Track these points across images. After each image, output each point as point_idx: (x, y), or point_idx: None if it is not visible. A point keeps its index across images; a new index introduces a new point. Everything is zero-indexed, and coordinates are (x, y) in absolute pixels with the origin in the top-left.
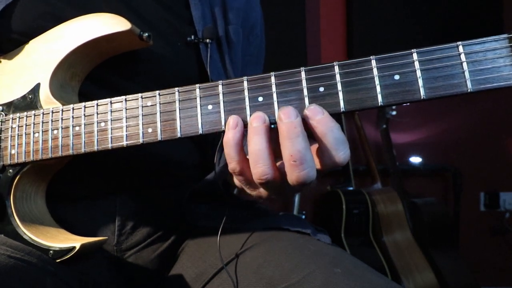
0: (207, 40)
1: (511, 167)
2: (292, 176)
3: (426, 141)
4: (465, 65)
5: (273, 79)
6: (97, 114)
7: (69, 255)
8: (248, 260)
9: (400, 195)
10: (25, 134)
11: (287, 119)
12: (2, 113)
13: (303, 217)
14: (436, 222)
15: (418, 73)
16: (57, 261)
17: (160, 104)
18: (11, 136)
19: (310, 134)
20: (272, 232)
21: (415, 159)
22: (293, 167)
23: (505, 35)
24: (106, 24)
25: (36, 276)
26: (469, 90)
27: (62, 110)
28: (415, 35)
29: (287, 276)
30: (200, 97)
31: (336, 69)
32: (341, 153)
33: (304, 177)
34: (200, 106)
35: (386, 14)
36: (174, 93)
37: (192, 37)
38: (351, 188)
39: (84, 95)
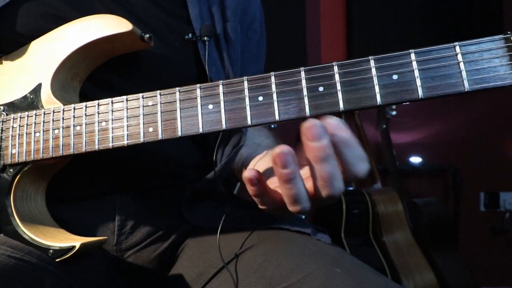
0: (205, 38)
1: (511, 167)
2: (322, 193)
3: (426, 141)
4: (462, 65)
5: (273, 78)
6: (98, 113)
7: (69, 255)
8: (248, 260)
9: (400, 195)
10: (26, 133)
11: (316, 141)
12: (4, 113)
13: (303, 217)
14: (436, 222)
15: (416, 73)
16: (57, 260)
17: (161, 103)
18: (12, 136)
19: None
20: (272, 232)
21: (415, 159)
22: (324, 186)
23: (501, 36)
24: (108, 25)
25: (36, 276)
26: (466, 90)
27: (64, 110)
28: (415, 36)
29: (287, 276)
30: (200, 97)
31: (335, 69)
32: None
33: (334, 194)
34: (201, 105)
35: (386, 14)
36: (175, 92)
37: (190, 35)
38: (351, 188)
39: (85, 96)
